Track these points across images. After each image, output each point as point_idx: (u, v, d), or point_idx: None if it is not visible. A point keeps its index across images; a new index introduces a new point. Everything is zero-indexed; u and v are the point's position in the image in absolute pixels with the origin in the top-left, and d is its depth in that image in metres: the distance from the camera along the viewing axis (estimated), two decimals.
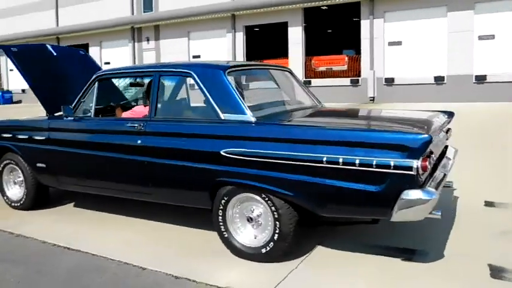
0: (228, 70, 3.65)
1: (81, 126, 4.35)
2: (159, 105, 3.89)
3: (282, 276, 3.12)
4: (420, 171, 2.78)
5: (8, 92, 30.34)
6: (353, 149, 2.92)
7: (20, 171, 4.92)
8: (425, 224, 3.74)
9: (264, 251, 3.29)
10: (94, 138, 4.20)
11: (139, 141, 3.80)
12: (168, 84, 4.19)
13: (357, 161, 2.88)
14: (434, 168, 3.34)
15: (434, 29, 16.47)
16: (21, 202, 4.96)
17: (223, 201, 3.41)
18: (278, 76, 4.87)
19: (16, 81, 30.68)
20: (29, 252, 3.84)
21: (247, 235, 3.43)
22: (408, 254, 3.41)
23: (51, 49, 5.60)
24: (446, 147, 4.11)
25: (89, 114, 4.32)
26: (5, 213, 4.92)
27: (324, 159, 2.97)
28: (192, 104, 4.50)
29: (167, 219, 4.36)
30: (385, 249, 3.49)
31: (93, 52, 26.73)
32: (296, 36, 19.95)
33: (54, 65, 5.46)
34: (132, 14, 24.57)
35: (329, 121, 4.01)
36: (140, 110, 4.23)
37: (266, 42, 23.22)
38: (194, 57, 23.27)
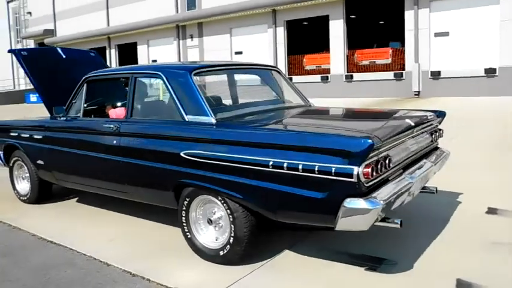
0: (195, 71, 3.65)
1: (69, 125, 4.55)
2: (134, 106, 3.97)
3: (238, 277, 3.09)
4: (362, 179, 2.62)
5: None
6: (298, 154, 2.81)
7: (25, 167, 5.24)
8: (408, 232, 3.56)
9: (221, 253, 3.27)
10: (79, 137, 4.39)
11: (114, 142, 3.92)
12: (142, 86, 4.25)
13: (301, 166, 2.78)
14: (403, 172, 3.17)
15: (485, 17, 15.37)
16: (28, 196, 5.29)
17: (185, 202, 3.43)
18: (263, 75, 4.80)
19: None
20: (17, 244, 4.09)
21: (209, 236, 3.43)
22: (374, 263, 3.23)
23: (60, 52, 5.86)
24: (435, 149, 3.86)
25: (78, 115, 4.49)
26: (12, 205, 5.28)
27: (270, 163, 2.89)
28: (164, 106, 4.54)
29: (164, 218, 4.38)
30: (352, 257, 3.33)
31: (141, 50, 27.84)
32: (337, 30, 19.49)
33: (62, 67, 5.73)
34: (177, 12, 25.18)
35: (291, 123, 3.90)
36: (121, 112, 4.34)
37: (307, 37, 22.87)
38: (236, 53, 23.49)
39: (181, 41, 25.70)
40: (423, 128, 3.56)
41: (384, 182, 2.91)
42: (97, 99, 4.86)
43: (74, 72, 5.81)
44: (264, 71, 4.80)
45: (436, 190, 3.80)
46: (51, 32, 32.32)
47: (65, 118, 4.60)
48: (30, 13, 34.27)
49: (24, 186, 5.43)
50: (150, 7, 26.30)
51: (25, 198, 5.35)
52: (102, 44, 29.92)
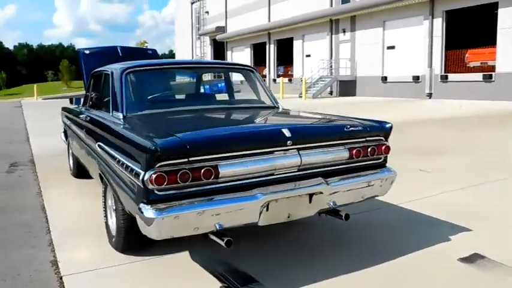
0: (127, 71, 3.77)
1: (77, 114, 5.16)
2: (92, 98, 4.41)
3: (103, 265, 3.13)
4: (149, 185, 2.40)
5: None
6: (125, 152, 2.82)
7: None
8: (331, 251, 3.09)
9: (113, 240, 3.35)
10: (78, 124, 4.94)
11: (82, 126, 4.40)
12: (102, 81, 4.49)
13: (124, 165, 2.75)
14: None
15: None
16: (72, 170, 6.19)
17: (102, 189, 3.61)
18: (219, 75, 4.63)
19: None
20: (19, 207, 4.82)
21: (112, 224, 3.52)
22: (239, 281, 2.82)
23: (119, 51, 6.58)
24: (364, 168, 3.14)
25: (85, 106, 5.05)
26: (61, 177, 6.18)
27: (116, 159, 2.93)
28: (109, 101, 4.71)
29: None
30: (228, 270, 2.98)
31: (297, 46, 28.62)
32: (508, 19, 16.49)
33: None
34: (331, 5, 25.05)
35: (171, 122, 3.60)
36: None
37: (469, 29, 19.95)
38: (388, 48, 22.27)
39: (333, 36, 25.54)
40: (314, 141, 2.94)
41: (212, 193, 2.57)
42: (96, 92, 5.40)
43: None
44: (220, 70, 4.62)
45: (346, 217, 2.97)
46: (222, 29, 35.95)
47: (78, 108, 5.24)
48: (207, 12, 38.78)
49: (70, 161, 6.37)
50: (306, 2, 26.84)
51: (71, 171, 6.27)
52: (262, 39, 31.88)
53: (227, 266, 3.05)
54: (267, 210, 2.66)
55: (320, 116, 3.91)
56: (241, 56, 35.20)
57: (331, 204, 2.92)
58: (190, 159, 2.48)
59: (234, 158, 2.62)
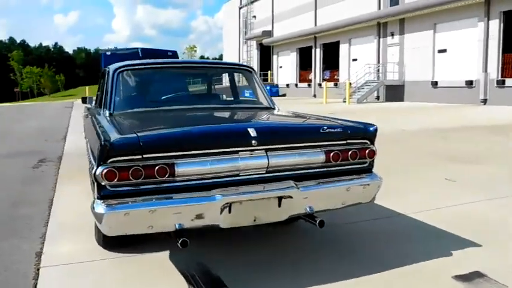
0: (119, 70, 3.81)
1: (85, 112, 5.29)
2: (98, 96, 4.47)
3: (84, 260, 3.15)
4: (101, 180, 2.38)
5: (276, 86, 35.47)
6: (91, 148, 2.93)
7: None
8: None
9: (95, 235, 3.40)
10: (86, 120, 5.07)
11: (86, 122, 4.47)
12: (104, 80, 4.55)
13: (90, 161, 2.88)
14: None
15: None
16: None
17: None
18: (213, 75, 4.53)
19: (283, 78, 35.67)
20: (29, 200, 4.98)
21: None
22: (207, 284, 2.72)
23: (140, 52, 6.75)
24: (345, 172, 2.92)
25: (95, 104, 5.18)
26: (80, 175, 6.33)
27: (88, 156, 2.94)
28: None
29: None
30: (201, 272, 2.88)
31: (343, 49, 28.13)
32: None
33: None
34: (379, 8, 24.41)
35: (148, 119, 3.55)
36: None
37: None
38: (440, 51, 21.32)
39: (381, 39, 24.86)
40: (286, 141, 2.77)
41: (168, 191, 2.50)
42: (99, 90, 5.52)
43: None
44: (217, 70, 4.50)
45: (321, 224, 2.73)
46: (268, 33, 36.04)
47: (89, 106, 5.38)
48: (254, 17, 39.01)
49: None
50: (353, 5, 26.37)
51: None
52: (308, 43, 31.62)
53: (202, 268, 2.97)
54: (230, 212, 2.54)
55: (304, 118, 3.68)
56: (287, 60, 35.09)
57: (308, 209, 2.73)
58: (145, 156, 2.42)
59: (193, 157, 2.53)
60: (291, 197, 2.65)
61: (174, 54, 7.15)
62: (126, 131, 2.59)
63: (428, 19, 21.44)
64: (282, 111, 3.89)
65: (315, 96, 30.81)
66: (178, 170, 2.47)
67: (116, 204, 2.38)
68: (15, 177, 6.15)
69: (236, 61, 43.17)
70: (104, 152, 2.37)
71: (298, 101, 25.80)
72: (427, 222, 3.87)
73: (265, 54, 38.48)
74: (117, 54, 6.85)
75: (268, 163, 2.66)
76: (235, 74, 4.51)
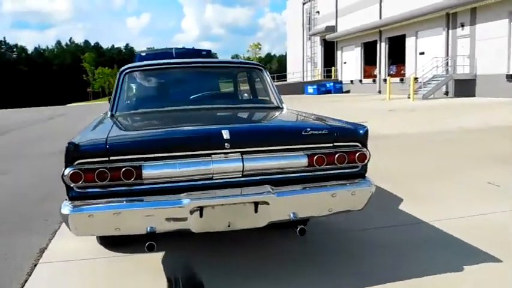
0: (127, 70, 3.87)
1: None
2: None
3: (82, 258, 3.28)
4: (68, 182, 2.41)
5: (339, 82, 34.70)
6: None
7: None
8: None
9: None
10: None
11: None
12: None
13: None
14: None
15: None
16: None
17: None
18: (223, 74, 4.41)
19: (347, 74, 34.78)
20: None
21: None
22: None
23: (174, 53, 6.83)
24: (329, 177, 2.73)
25: None
26: None
27: None
28: None
29: None
30: (186, 276, 2.86)
31: (409, 43, 26.82)
32: None
33: None
34: None
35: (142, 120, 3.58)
36: None
37: None
38: None
39: (450, 31, 23.34)
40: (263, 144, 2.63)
41: (136, 194, 2.48)
42: None
43: None
44: (226, 69, 4.38)
45: (301, 232, 2.55)
46: (332, 29, 35.28)
47: None
48: (318, 12, 38.35)
49: None
50: None
51: None
52: (373, 38, 30.55)
53: (188, 273, 2.95)
54: (201, 216, 2.47)
55: (301, 118, 3.49)
56: (351, 55, 34.14)
57: (292, 216, 2.58)
58: (111, 158, 2.42)
59: (161, 160, 2.48)
60: (267, 203, 2.52)
61: (208, 54, 7.16)
62: (100, 134, 2.61)
63: (503, 7, 19.72)
64: (285, 111, 3.72)
65: (379, 92, 29.69)
66: (146, 172, 2.44)
67: (80, 206, 2.41)
68: (56, 174, 6.52)
69: (300, 58, 42.82)
70: (69, 154, 2.39)
71: (359, 98, 25.02)
72: (448, 231, 3.54)
73: (329, 50, 37.76)
74: (152, 55, 6.99)
75: (243, 167, 2.55)
76: (246, 73, 4.40)
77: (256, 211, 2.53)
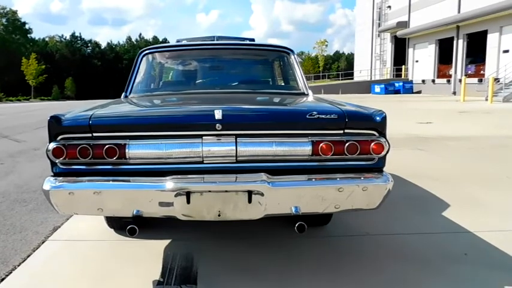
0: (146, 52, 3.85)
1: None
2: None
3: (89, 239, 3.33)
4: (51, 157, 2.39)
5: (409, 82, 33.24)
6: None
7: None
8: None
9: None
10: None
11: None
12: None
13: None
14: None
15: None
16: None
17: None
18: (247, 57, 4.22)
19: (419, 73, 33.22)
20: None
21: None
22: (178, 278, 2.61)
23: (214, 39, 6.82)
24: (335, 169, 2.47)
25: None
26: None
27: None
28: None
29: None
30: (182, 266, 2.78)
31: (492, 40, 25.07)
32: None
33: None
34: None
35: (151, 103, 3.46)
36: None
37: None
38: None
39: None
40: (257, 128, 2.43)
41: (120, 174, 2.42)
42: None
43: None
44: (247, 52, 4.18)
45: (300, 229, 2.35)
46: (404, 25, 33.86)
47: None
48: (389, 7, 36.97)
49: None
50: None
51: None
52: (449, 34, 28.94)
53: (185, 262, 2.87)
54: (188, 203, 2.35)
55: (309, 102, 3.22)
56: (424, 53, 32.55)
57: (293, 210, 2.36)
58: (94, 135, 2.38)
59: (147, 139, 2.39)
60: (261, 193, 2.33)
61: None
62: (90, 111, 2.56)
63: None
64: (309, 98, 3.49)
65: (454, 93, 28.01)
66: (130, 152, 2.36)
67: (62, 183, 2.39)
68: None
69: (369, 55, 41.58)
70: (52, 129, 2.38)
71: (429, 99, 23.78)
72: (480, 244, 3.15)
73: (399, 47, 36.31)
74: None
75: (237, 151, 2.39)
76: (272, 56, 4.23)
77: (250, 201, 2.34)
